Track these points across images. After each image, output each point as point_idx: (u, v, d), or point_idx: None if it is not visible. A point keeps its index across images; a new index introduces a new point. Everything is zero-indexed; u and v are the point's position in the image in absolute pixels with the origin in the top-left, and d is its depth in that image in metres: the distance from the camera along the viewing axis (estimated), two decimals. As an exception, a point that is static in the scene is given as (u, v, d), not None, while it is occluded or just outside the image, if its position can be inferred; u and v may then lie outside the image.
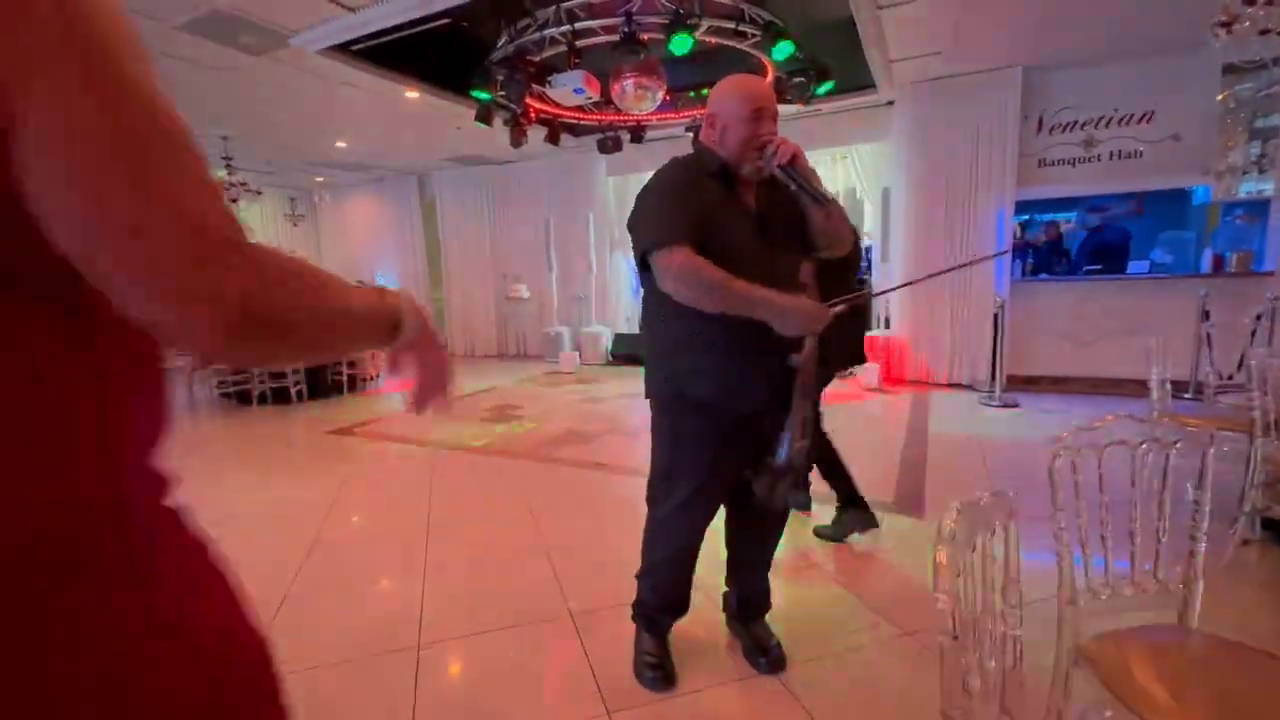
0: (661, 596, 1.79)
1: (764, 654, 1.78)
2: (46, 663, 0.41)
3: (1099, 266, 5.90)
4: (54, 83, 0.38)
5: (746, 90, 1.51)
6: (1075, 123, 5.42)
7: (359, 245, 10.49)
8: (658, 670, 1.73)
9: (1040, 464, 1.19)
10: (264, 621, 1.53)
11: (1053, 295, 5.76)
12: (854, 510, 2.65)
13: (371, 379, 7.00)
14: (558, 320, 8.37)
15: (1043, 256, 6.34)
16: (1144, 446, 1.15)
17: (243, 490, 3.60)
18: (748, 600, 1.87)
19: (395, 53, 4.67)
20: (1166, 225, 6.73)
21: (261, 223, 10.13)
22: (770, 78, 5.01)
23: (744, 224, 1.51)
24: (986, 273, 5.66)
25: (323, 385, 6.33)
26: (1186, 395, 4.98)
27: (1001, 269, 5.62)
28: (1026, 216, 6.60)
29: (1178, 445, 1.15)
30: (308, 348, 0.62)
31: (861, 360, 3.59)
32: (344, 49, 4.48)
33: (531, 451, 4.10)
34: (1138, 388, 5.38)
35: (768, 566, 1.86)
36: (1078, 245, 6.46)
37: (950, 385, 5.89)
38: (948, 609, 0.65)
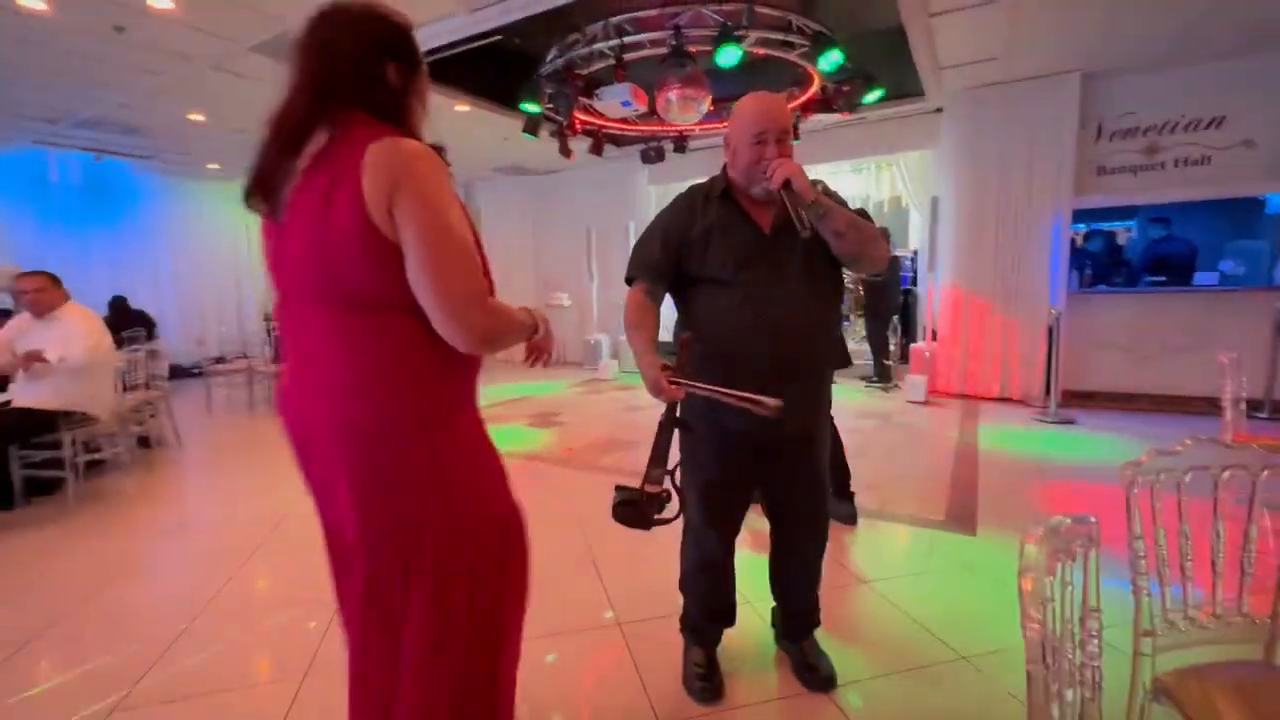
0: (701, 605, 1.80)
1: (813, 670, 1.77)
2: (412, 461, 1.00)
3: (1163, 278, 5.62)
4: (413, 226, 0.92)
5: (750, 114, 1.53)
6: (1137, 129, 5.21)
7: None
8: (705, 682, 1.74)
9: (1103, 484, 1.16)
10: (324, 619, 1.57)
11: (1112, 307, 5.53)
12: (841, 501, 2.94)
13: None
14: (598, 328, 8.45)
15: (1101, 267, 6.08)
16: (1228, 473, 1.11)
17: (299, 490, 3.75)
18: (794, 615, 1.85)
19: (448, 68, 4.82)
20: (1237, 235, 6.37)
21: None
22: (815, 88, 4.99)
23: (749, 242, 1.53)
24: (1039, 284, 5.47)
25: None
26: (1261, 414, 4.71)
27: (1056, 280, 5.43)
28: (1084, 225, 6.35)
29: (1266, 472, 1.10)
30: (506, 344, 1.08)
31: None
32: (400, 66, 4.65)
33: (574, 458, 4.15)
34: (1206, 405, 5.12)
35: (813, 582, 1.83)
36: (1139, 255, 6.17)
37: (1000, 399, 5.71)
38: (1037, 637, 0.65)
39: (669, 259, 1.58)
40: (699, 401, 1.53)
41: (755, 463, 1.64)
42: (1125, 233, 6.48)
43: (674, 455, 1.53)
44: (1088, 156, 5.36)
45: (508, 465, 1.18)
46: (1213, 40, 4.53)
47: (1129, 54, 4.85)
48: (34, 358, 3.14)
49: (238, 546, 2.84)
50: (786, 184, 1.42)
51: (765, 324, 1.49)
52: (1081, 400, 5.44)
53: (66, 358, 3.21)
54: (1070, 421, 4.87)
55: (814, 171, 6.14)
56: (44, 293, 3.33)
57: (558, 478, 3.77)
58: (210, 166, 8.24)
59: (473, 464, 1.10)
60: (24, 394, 3.27)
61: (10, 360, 3.17)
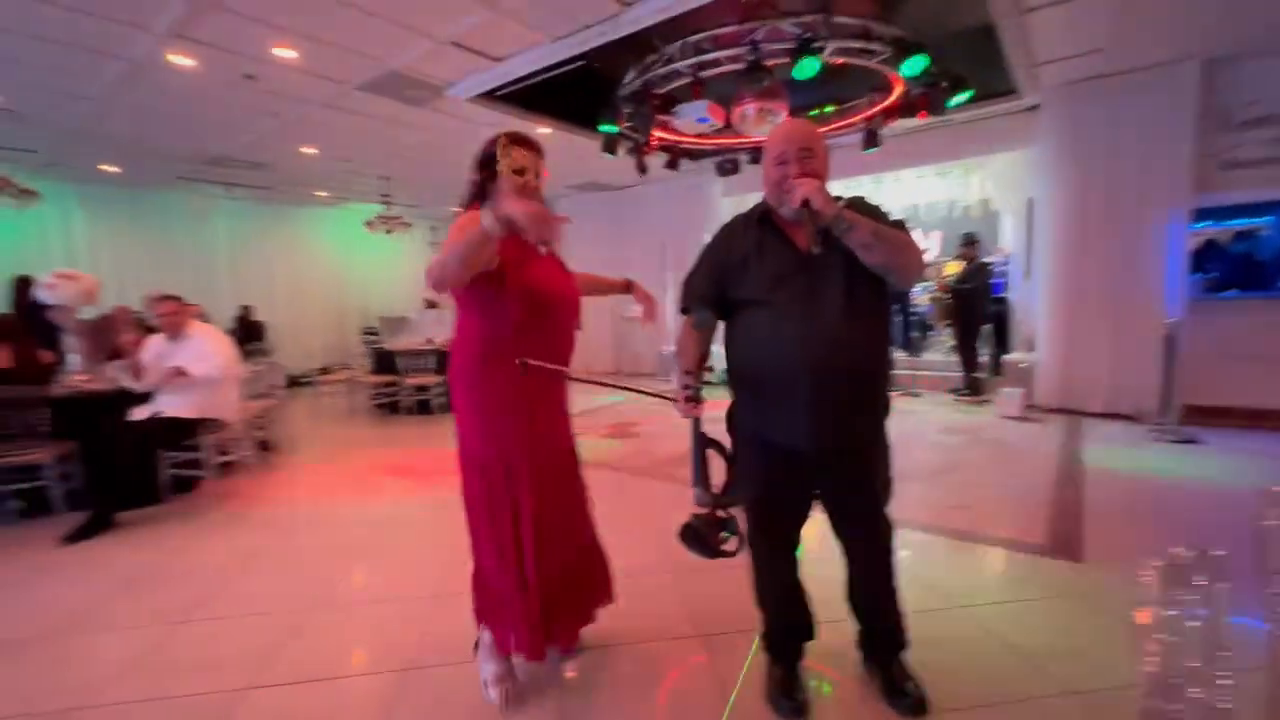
0: (775, 619, 1.81)
1: (902, 695, 1.72)
2: (471, 381, 1.73)
3: (1306, 281, 5.02)
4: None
5: (772, 139, 1.60)
6: (1270, 117, 4.71)
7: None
8: (790, 700, 1.73)
9: (1233, 512, 1.08)
10: (422, 615, 1.73)
11: (1243, 315, 4.98)
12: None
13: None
14: (672, 340, 8.51)
15: (1228, 270, 5.50)
16: (1386, 506, 1.00)
17: (396, 492, 4.02)
18: (873, 633, 1.81)
19: (531, 94, 5.07)
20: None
21: (409, 252, 11.28)
22: (897, 93, 4.85)
23: (786, 262, 1.56)
24: (1153, 289, 5.03)
25: (459, 399, 6.90)
26: None
27: (1173, 285, 4.97)
28: (1206, 224, 5.77)
29: None
30: (451, 271, 1.51)
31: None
32: (488, 95, 4.95)
33: (653, 469, 4.21)
34: (1364, 426, 4.51)
35: (887, 597, 1.77)
36: (1276, 256, 5.54)
37: (1108, 415, 5.26)
38: (1156, 673, 0.63)
39: (713, 287, 1.66)
40: (746, 418, 1.66)
41: (805, 476, 1.65)
42: (1259, 230, 5.84)
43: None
44: (1209, 150, 4.89)
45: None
46: (1363, 15, 4.04)
47: (1257, 36, 4.41)
48: (177, 373, 3.56)
49: (346, 544, 3.09)
50: (806, 202, 1.45)
51: (802, 341, 1.51)
52: (1206, 417, 4.92)
53: (202, 373, 3.62)
54: (1193, 440, 4.43)
55: (900, 175, 5.89)
56: (177, 315, 3.78)
57: (636, 489, 3.83)
58: (318, 194, 9.02)
59: (497, 413, 1.71)
60: (168, 405, 3.71)
61: (158, 377, 3.62)
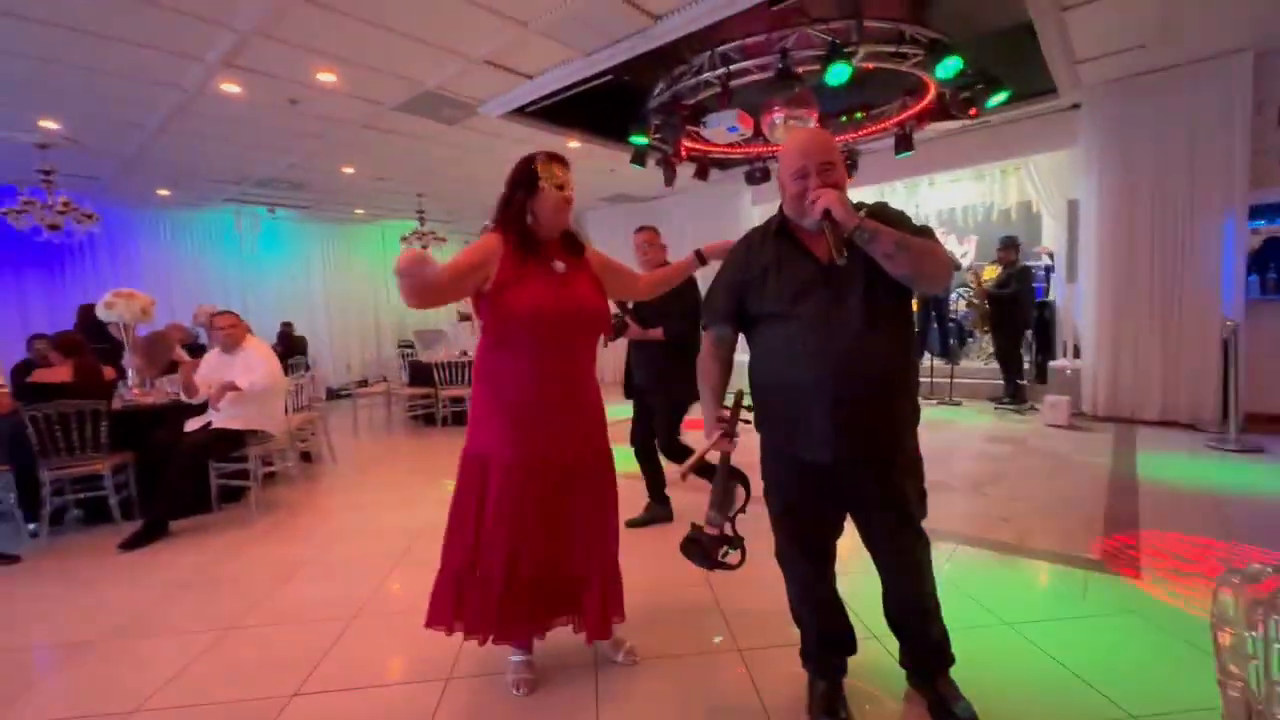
0: (811, 633, 1.78)
1: (949, 714, 1.65)
2: (477, 384, 1.87)
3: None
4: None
5: (790, 152, 1.57)
6: (1333, 108, 4.48)
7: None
8: (831, 717, 1.68)
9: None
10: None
11: (1309, 316, 4.73)
12: (659, 505, 3.36)
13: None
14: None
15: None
16: None
17: (435, 502, 4.08)
18: (915, 650, 1.75)
19: (561, 109, 5.15)
20: None
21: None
22: (931, 95, 4.78)
23: (805, 274, 1.55)
24: (1208, 290, 4.81)
25: (492, 410, 6.99)
26: None
27: (1230, 285, 4.74)
28: (1263, 222, 5.50)
29: None
30: (406, 288, 1.54)
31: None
32: (519, 111, 5.05)
33: (673, 480, 4.18)
34: None
35: (925, 613, 1.71)
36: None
37: (1162, 423, 5.03)
38: (1240, 698, 0.59)
39: (731, 302, 1.66)
40: (769, 431, 1.66)
41: (832, 489, 1.62)
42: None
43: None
44: (1265, 144, 4.67)
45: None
46: None
47: (1317, 24, 4.21)
48: (229, 387, 3.70)
49: (387, 552, 3.15)
50: (827, 213, 1.44)
51: (823, 353, 1.49)
52: (1271, 425, 4.67)
53: (254, 384, 3.75)
54: (1258, 450, 4.20)
55: (935, 179, 5.79)
56: (236, 329, 3.93)
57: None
58: (357, 212, 9.31)
59: (486, 417, 1.82)
60: (220, 417, 3.85)
61: (211, 390, 3.76)
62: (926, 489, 1.68)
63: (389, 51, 3.91)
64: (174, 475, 3.56)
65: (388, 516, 3.79)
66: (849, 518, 1.70)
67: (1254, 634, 0.65)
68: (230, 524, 3.75)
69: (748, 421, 1.67)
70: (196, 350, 5.27)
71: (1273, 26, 4.23)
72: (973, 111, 4.40)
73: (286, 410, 4.36)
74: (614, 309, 2.60)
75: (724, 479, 1.63)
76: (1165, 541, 2.82)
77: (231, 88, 4.30)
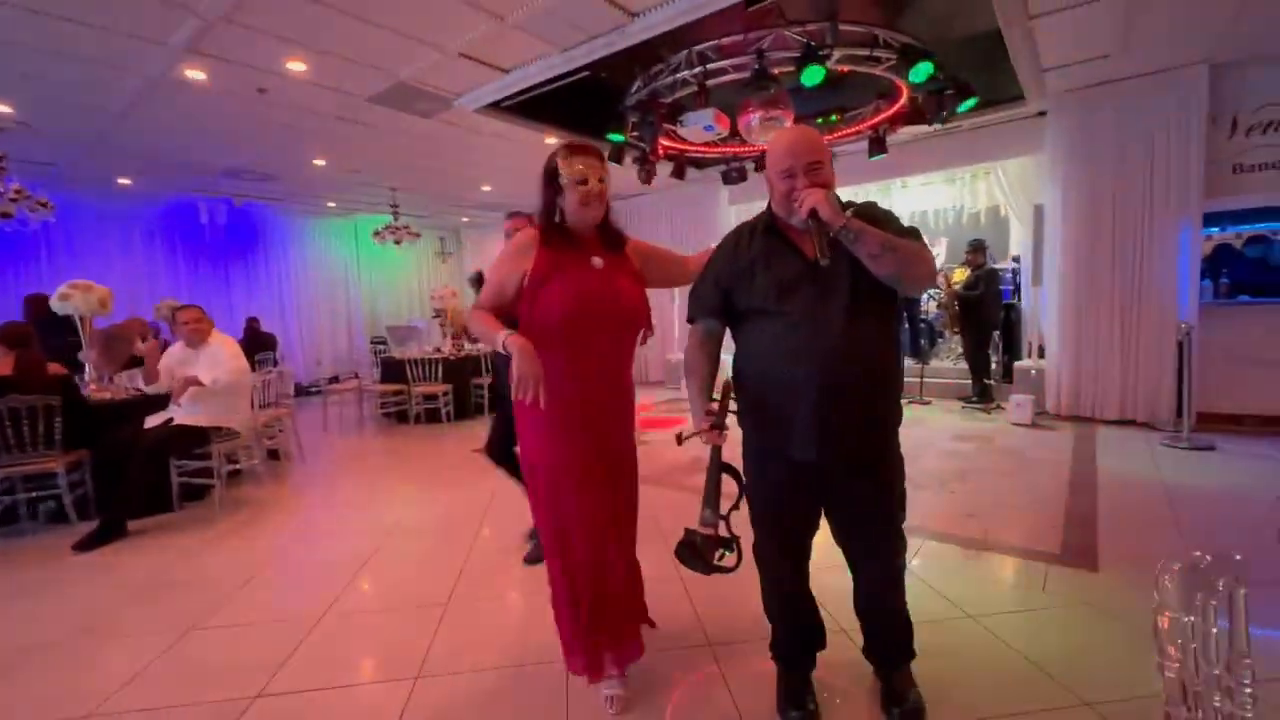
0: (783, 628, 1.80)
1: (898, 704, 1.69)
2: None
3: (1321, 286, 4.97)
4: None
5: (778, 151, 1.57)
6: (1280, 121, 4.68)
7: (497, 278, 11.41)
8: (799, 710, 1.71)
9: (1252, 520, 1.06)
10: (431, 624, 1.76)
11: (1258, 320, 4.93)
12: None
13: (507, 402, 7.54)
14: (679, 347, 8.51)
15: (1242, 275, 5.46)
16: None
17: (406, 500, 4.02)
18: (880, 643, 1.79)
19: (538, 104, 5.12)
20: None
21: (417, 261, 11.37)
22: (903, 99, 4.86)
23: (791, 272, 1.55)
24: (1165, 294, 4.98)
25: (467, 407, 6.93)
26: None
27: (1185, 290, 4.92)
28: (1218, 229, 5.73)
29: None
30: (477, 337, 1.96)
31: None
32: (495, 106, 4.99)
33: (661, 477, 4.20)
34: (1384, 432, 4.44)
35: (892, 611, 1.74)
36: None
37: (1121, 422, 5.21)
38: (1176, 678, 0.62)
39: (719, 296, 1.66)
40: (752, 428, 1.66)
41: (814, 488, 1.63)
42: (1272, 235, 5.80)
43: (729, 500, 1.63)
44: (1219, 155, 4.86)
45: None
46: (1374, 17, 4.01)
47: (1266, 40, 4.39)
48: (191, 382, 3.59)
49: (356, 552, 3.09)
50: (813, 213, 1.45)
51: (807, 351, 1.50)
52: (1222, 424, 4.87)
53: (217, 380, 3.65)
54: (1209, 447, 4.37)
55: (908, 182, 5.88)
56: (200, 323, 3.82)
57: (645, 497, 3.81)
58: (329, 205, 9.12)
59: (528, 420, 1.76)
60: (182, 413, 3.74)
61: (173, 384, 3.65)
62: (904, 489, 1.70)
63: (361, 42, 3.84)
64: (133, 473, 3.45)
65: (358, 515, 3.73)
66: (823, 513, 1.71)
67: (1192, 618, 0.68)
68: (193, 523, 3.65)
69: (735, 412, 1.65)
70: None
71: (1226, 42, 4.40)
72: (930, 121, 4.51)
73: (253, 406, 4.25)
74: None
75: (715, 473, 1.61)
76: (1122, 535, 2.92)
77: (196, 75, 4.18)
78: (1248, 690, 0.77)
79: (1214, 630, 0.73)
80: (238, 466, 4.26)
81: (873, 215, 1.57)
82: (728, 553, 1.60)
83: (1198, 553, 0.71)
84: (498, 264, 1.76)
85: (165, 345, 4.17)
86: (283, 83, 4.39)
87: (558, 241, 1.73)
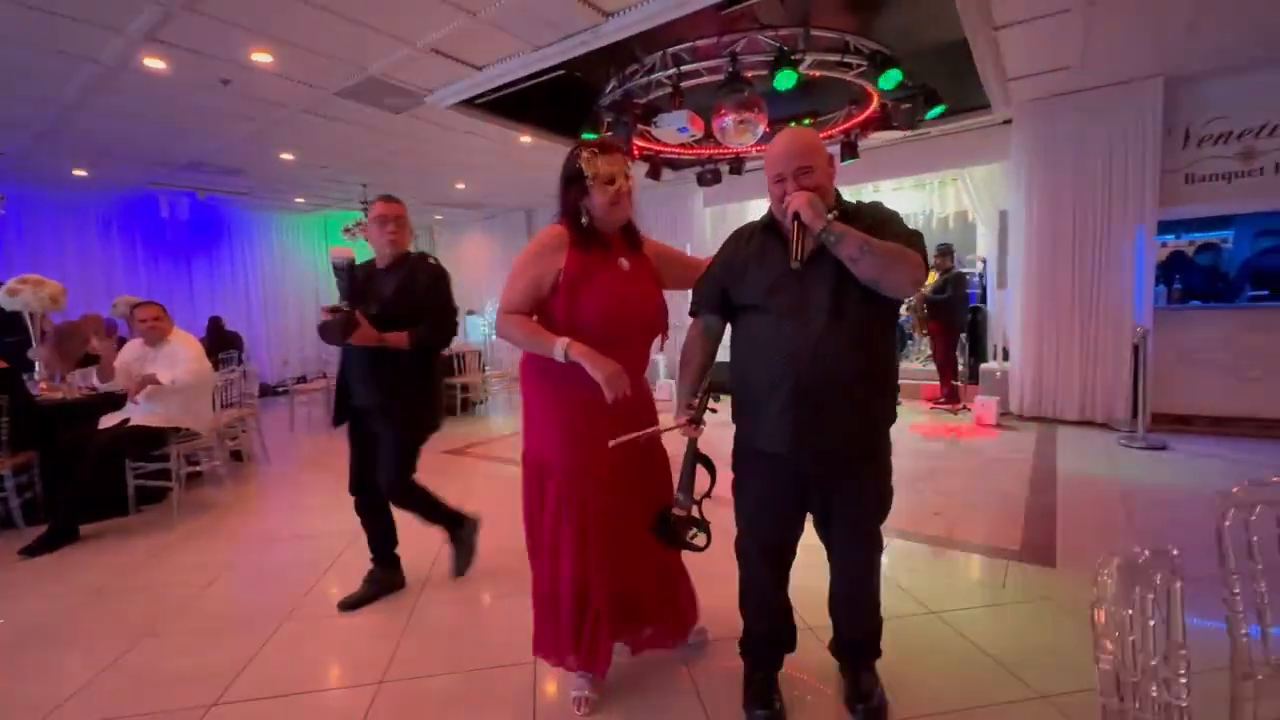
0: (755, 628, 1.81)
1: (862, 701, 1.72)
2: (527, 384, 1.82)
3: (1265, 292, 5.20)
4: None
5: (771, 157, 1.60)
6: (1230, 133, 4.88)
7: (472, 276, 11.28)
8: (765, 709, 1.72)
9: (1200, 516, 1.10)
10: (397, 628, 1.74)
11: (1208, 324, 5.14)
12: (384, 570, 2.61)
13: (482, 403, 7.47)
14: (655, 349, 8.52)
15: (1194, 281, 5.68)
16: (1336, 507, 1.03)
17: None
18: (846, 645, 1.81)
19: (512, 102, 5.08)
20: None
21: (388, 258, 11.18)
22: (874, 105, 4.95)
23: (781, 269, 1.56)
24: (1123, 300, 5.16)
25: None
26: (1389, 442, 4.25)
27: (1141, 295, 5.10)
28: (1172, 237, 5.95)
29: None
30: (518, 344, 1.70)
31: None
32: (469, 103, 4.94)
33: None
34: (1322, 432, 4.65)
35: (865, 612, 1.76)
36: (1239, 267, 5.74)
37: (1081, 423, 5.37)
38: (1111, 669, 0.64)
39: (716, 291, 1.70)
40: (740, 424, 1.69)
41: (798, 485, 1.64)
42: (1221, 243, 6.05)
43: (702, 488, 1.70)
44: (1173, 164, 5.05)
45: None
46: (1315, 37, 4.21)
47: (1216, 55, 4.57)
48: (149, 380, 3.48)
49: (320, 556, 3.03)
50: (796, 216, 1.48)
51: (787, 347, 1.53)
52: (1175, 424, 5.06)
53: (176, 379, 3.53)
54: (1162, 447, 4.54)
55: (880, 186, 5.96)
56: (160, 321, 3.69)
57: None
58: (297, 200, 8.92)
59: (541, 420, 1.78)
60: (139, 412, 3.62)
61: (129, 383, 3.53)
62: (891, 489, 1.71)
63: (329, 34, 3.76)
64: (85, 475, 3.32)
65: (324, 518, 3.65)
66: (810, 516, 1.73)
67: (1130, 611, 0.70)
68: (149, 527, 3.53)
69: (714, 410, 1.67)
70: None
71: (1179, 57, 4.57)
72: (906, 129, 4.59)
73: (215, 406, 4.13)
74: (330, 303, 2.22)
75: (691, 463, 1.66)
76: (1079, 532, 3.01)
77: (156, 63, 4.04)
78: (1183, 680, 0.80)
79: (1151, 623, 0.75)
80: (198, 468, 4.14)
81: (877, 215, 1.58)
82: (700, 532, 1.66)
83: (1136, 548, 0.73)
84: (525, 263, 1.69)
85: (122, 342, 4.03)
86: (248, 74, 4.28)
87: (587, 242, 1.70)
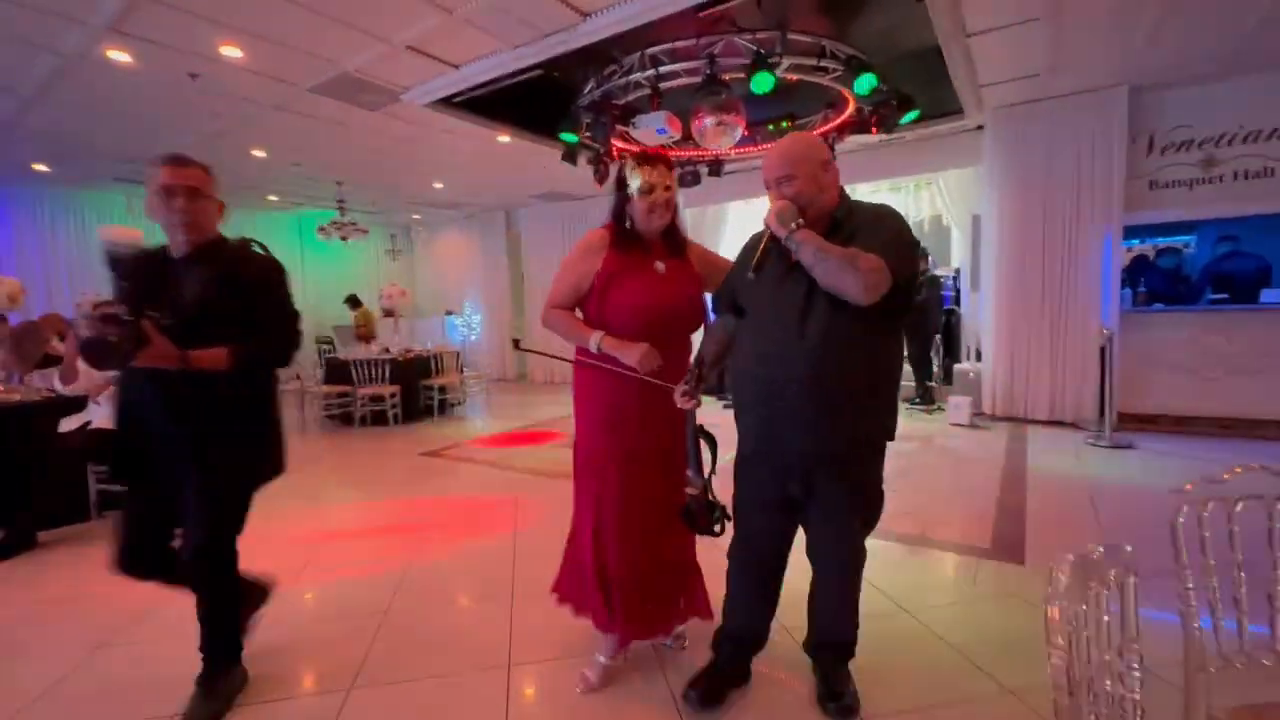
0: (731, 627, 1.84)
1: (834, 699, 1.74)
2: (576, 380, 1.94)
3: (1225, 295, 5.37)
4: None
5: (763, 166, 1.66)
6: (1192, 142, 5.04)
7: (450, 276, 11.17)
8: (695, 689, 1.78)
9: (1161, 513, 1.13)
10: (368, 633, 1.71)
11: (1171, 327, 5.29)
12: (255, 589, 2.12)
13: (460, 404, 7.39)
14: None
15: (1157, 284, 5.84)
16: (1282, 503, 1.07)
17: (347, 506, 3.89)
18: (824, 643, 1.82)
19: (490, 101, 5.04)
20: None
21: (365, 260, 11.01)
22: (850, 110, 5.00)
23: (776, 272, 1.62)
24: (1090, 302, 5.29)
25: (415, 409, 6.75)
26: (1340, 440, 4.41)
27: (1107, 298, 5.24)
28: (1137, 241, 6.12)
29: (1324, 503, 1.06)
30: (560, 334, 1.87)
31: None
32: (446, 101, 4.89)
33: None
34: (1278, 430, 4.82)
35: (841, 613, 1.77)
36: (1201, 272, 5.91)
37: (1051, 422, 5.50)
38: (1062, 665, 0.65)
39: (729, 292, 1.78)
40: (737, 426, 1.72)
41: (779, 488, 1.66)
42: (1184, 248, 6.23)
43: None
44: (1138, 171, 5.19)
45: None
46: (1270, 49, 4.36)
47: (1179, 66, 4.71)
48: (111, 381, 3.38)
49: (288, 562, 2.96)
50: (767, 225, 1.56)
51: (769, 349, 1.59)
52: (1140, 423, 5.20)
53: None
54: (1127, 445, 4.66)
55: (856, 189, 6.02)
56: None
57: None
58: (269, 198, 8.74)
59: (590, 408, 1.89)
60: (102, 416, 3.51)
61: (89, 382, 3.42)
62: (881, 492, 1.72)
63: (302, 29, 3.69)
64: (43, 480, 3.22)
65: (293, 522, 3.57)
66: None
67: (1085, 607, 0.72)
68: (111, 534, 3.42)
69: (707, 391, 1.75)
70: (77, 343, 4.78)
71: (1144, 67, 4.70)
72: (874, 131, 4.66)
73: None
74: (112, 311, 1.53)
75: (693, 435, 1.73)
76: (1047, 529, 3.08)
77: (120, 56, 3.93)
78: (1136, 674, 0.82)
79: (1105, 618, 0.77)
80: (164, 472, 4.02)
81: (869, 217, 1.60)
82: (719, 519, 1.73)
83: (1089, 546, 0.75)
84: (571, 263, 1.87)
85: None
86: (217, 69, 4.18)
87: (626, 245, 1.83)
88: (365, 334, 8.93)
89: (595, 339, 1.76)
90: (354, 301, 9.40)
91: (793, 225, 1.51)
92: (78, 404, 3.63)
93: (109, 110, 4.94)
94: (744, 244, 1.79)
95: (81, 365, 3.51)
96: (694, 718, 1.75)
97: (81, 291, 6.67)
